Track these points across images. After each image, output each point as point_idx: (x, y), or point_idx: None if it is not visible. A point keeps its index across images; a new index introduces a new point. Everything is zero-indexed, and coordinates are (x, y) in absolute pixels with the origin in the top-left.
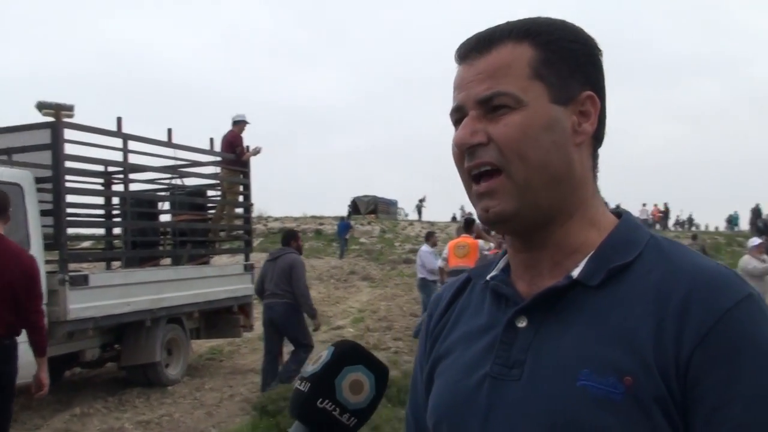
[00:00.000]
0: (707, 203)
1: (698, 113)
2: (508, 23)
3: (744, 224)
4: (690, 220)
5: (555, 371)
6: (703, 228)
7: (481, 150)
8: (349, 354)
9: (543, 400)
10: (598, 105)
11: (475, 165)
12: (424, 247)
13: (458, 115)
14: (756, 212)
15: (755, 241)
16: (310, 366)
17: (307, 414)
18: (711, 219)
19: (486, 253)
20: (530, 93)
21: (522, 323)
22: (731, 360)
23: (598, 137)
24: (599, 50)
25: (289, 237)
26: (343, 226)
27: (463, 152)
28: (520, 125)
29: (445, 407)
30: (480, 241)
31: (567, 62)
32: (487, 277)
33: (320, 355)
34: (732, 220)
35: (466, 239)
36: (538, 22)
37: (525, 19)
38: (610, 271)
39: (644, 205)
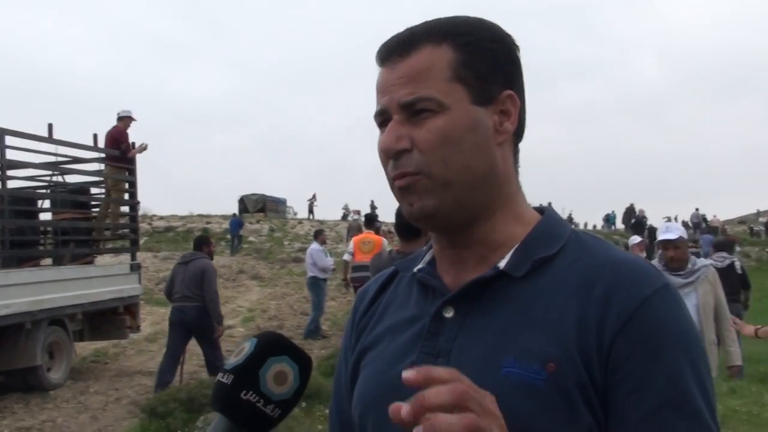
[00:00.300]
0: (585, 203)
1: (573, 115)
2: (426, 24)
3: (620, 223)
4: (570, 219)
5: (480, 360)
6: (582, 226)
7: (405, 157)
8: (273, 345)
9: None
10: (518, 103)
11: (399, 174)
12: (314, 246)
13: (382, 118)
14: (630, 212)
15: (636, 239)
16: (233, 358)
17: (230, 406)
18: (589, 218)
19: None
20: (451, 96)
21: (449, 313)
22: (649, 345)
23: (518, 133)
24: (516, 47)
25: (201, 242)
26: (235, 223)
27: (389, 157)
28: (443, 130)
29: (370, 397)
30: (384, 240)
31: (486, 63)
32: (414, 270)
33: (243, 346)
34: (609, 219)
35: (370, 235)
36: (456, 22)
37: (443, 20)
38: (535, 263)
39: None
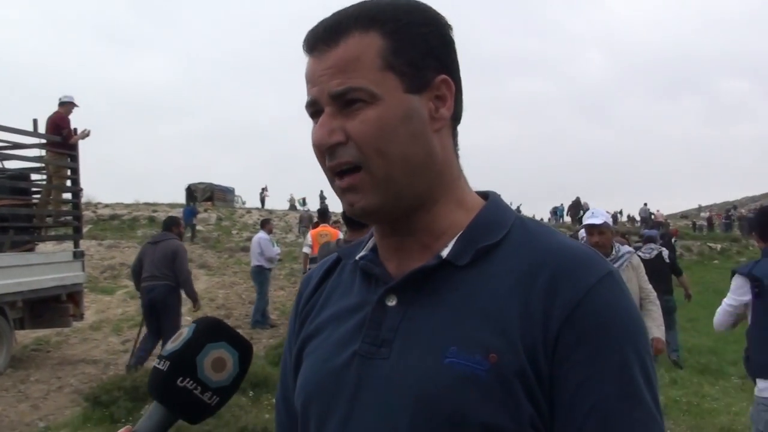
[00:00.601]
0: (532, 196)
1: (522, 109)
2: (353, 9)
3: (567, 216)
4: (518, 211)
5: (422, 349)
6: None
7: (341, 149)
8: (211, 330)
9: (410, 378)
10: (452, 88)
11: (335, 165)
12: (262, 234)
13: (313, 108)
14: (576, 205)
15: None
16: (170, 344)
17: (166, 394)
18: (537, 211)
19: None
20: (383, 85)
21: (392, 302)
22: (595, 336)
23: (456, 117)
24: (449, 27)
25: (171, 223)
26: (189, 211)
27: (323, 152)
28: (377, 121)
29: (313, 386)
30: (340, 233)
31: (418, 48)
32: (356, 257)
33: (181, 332)
34: (557, 212)
35: (327, 228)
36: (384, 6)
37: (370, 4)
38: (478, 251)
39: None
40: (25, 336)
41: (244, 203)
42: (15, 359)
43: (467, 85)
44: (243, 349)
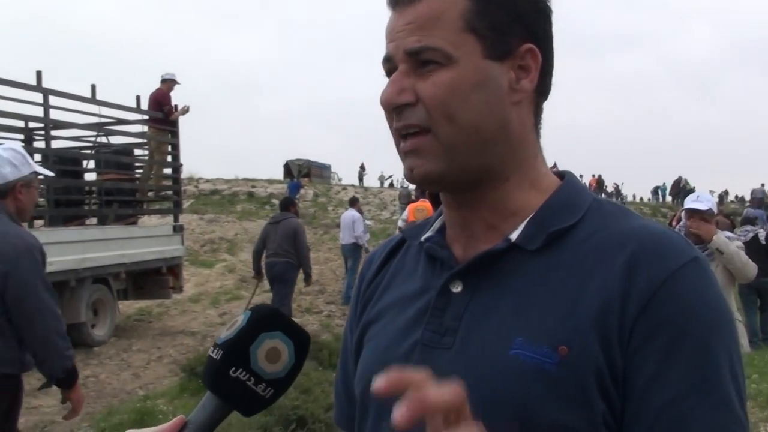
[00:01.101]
0: (633, 175)
1: (623, 85)
2: None
3: (669, 196)
4: (617, 191)
5: (487, 339)
6: (630, 199)
7: (409, 111)
8: (266, 319)
9: (473, 370)
10: (539, 59)
11: (402, 126)
12: (355, 213)
13: (389, 65)
14: (678, 183)
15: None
16: (224, 332)
17: (219, 384)
18: (638, 190)
19: None
20: (462, 48)
21: (457, 288)
22: (673, 325)
23: (542, 91)
24: None
25: (288, 203)
26: (294, 186)
27: (391, 111)
28: (449, 84)
29: (372, 375)
30: None
31: (505, 12)
32: (422, 239)
33: (236, 320)
34: (658, 191)
35: (425, 203)
36: None
37: None
38: (550, 235)
39: (581, 176)
40: (129, 306)
41: (340, 180)
42: (119, 328)
43: (565, 60)
44: (299, 339)
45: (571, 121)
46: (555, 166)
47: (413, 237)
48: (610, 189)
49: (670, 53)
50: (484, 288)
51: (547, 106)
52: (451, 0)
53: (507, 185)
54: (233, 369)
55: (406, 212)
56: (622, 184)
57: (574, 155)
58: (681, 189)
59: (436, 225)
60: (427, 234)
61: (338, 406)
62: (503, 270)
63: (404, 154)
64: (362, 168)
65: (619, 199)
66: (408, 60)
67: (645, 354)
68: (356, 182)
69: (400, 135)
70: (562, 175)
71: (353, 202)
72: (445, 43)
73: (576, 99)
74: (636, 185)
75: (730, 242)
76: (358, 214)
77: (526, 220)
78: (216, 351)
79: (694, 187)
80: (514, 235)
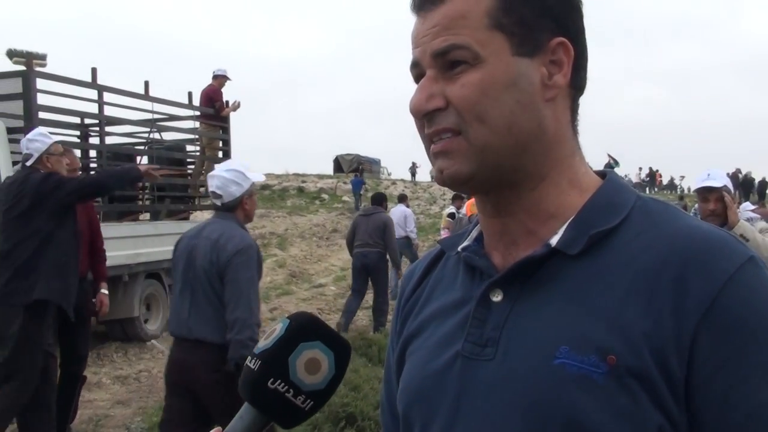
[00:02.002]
0: (690, 166)
1: (677, 76)
2: None
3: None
4: (672, 184)
5: (531, 349)
6: (686, 191)
7: (440, 116)
8: (305, 328)
9: (517, 381)
10: (571, 52)
11: (433, 132)
12: (405, 208)
13: (416, 71)
14: (735, 176)
15: (748, 206)
16: (262, 341)
17: (256, 395)
18: (693, 183)
19: None
20: (489, 46)
21: (497, 297)
22: (741, 332)
23: (577, 86)
24: None
25: (380, 198)
26: (357, 182)
27: (421, 118)
28: (479, 85)
29: (414, 390)
30: None
31: (531, 6)
32: (459, 248)
33: (274, 328)
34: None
35: None
36: None
37: None
38: (592, 238)
39: (640, 168)
40: None
41: (389, 174)
42: None
43: (619, 51)
44: (339, 349)
45: (623, 113)
46: (610, 158)
47: (450, 247)
48: (664, 181)
49: (725, 41)
50: (525, 296)
51: (599, 98)
52: None
53: (543, 186)
54: (271, 380)
55: (464, 207)
56: (682, 177)
57: (626, 145)
58: (744, 181)
59: (474, 234)
60: (465, 243)
61: (384, 422)
62: (544, 277)
63: (434, 156)
64: (414, 165)
65: (675, 192)
66: (435, 63)
67: (713, 367)
68: (406, 177)
69: (431, 140)
70: (604, 175)
71: (402, 199)
72: (473, 41)
73: (628, 90)
74: (690, 179)
75: (755, 230)
76: (409, 210)
77: (567, 223)
78: (254, 361)
79: (753, 179)
80: (554, 240)
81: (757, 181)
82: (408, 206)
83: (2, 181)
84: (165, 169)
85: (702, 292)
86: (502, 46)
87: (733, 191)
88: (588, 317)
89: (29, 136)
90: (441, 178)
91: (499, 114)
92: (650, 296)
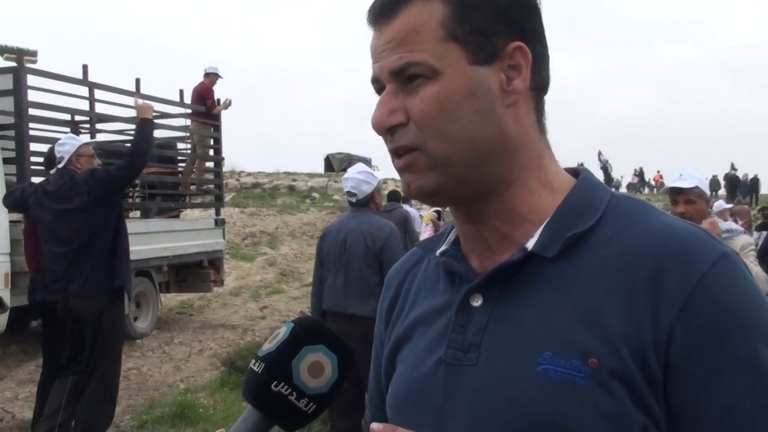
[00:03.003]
0: (678, 166)
1: (667, 76)
2: None
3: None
4: (660, 184)
5: (513, 354)
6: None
7: (400, 131)
8: (309, 332)
9: (500, 388)
10: (529, 56)
11: (393, 149)
12: (412, 209)
13: (377, 85)
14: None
15: (721, 205)
16: (266, 344)
17: (260, 398)
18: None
19: None
20: (445, 59)
21: (477, 302)
22: (715, 330)
23: (539, 87)
24: None
25: (397, 196)
26: None
27: (382, 133)
28: (437, 99)
29: (400, 397)
30: None
31: (485, 13)
32: (437, 253)
33: (278, 332)
34: (711, 185)
35: None
36: None
37: None
38: (568, 240)
39: (638, 169)
40: (171, 299)
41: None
42: (161, 321)
43: (607, 49)
44: (343, 353)
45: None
46: (600, 154)
47: (429, 250)
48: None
49: (715, 41)
50: (505, 300)
51: (591, 96)
52: (428, 10)
53: (512, 190)
54: (275, 383)
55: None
56: (680, 176)
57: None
58: (729, 178)
59: (451, 237)
60: (443, 248)
61: (372, 408)
62: (522, 280)
63: (399, 171)
64: None
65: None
66: (394, 79)
67: (690, 364)
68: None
69: (396, 153)
70: (577, 172)
71: (407, 199)
72: (428, 56)
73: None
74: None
75: (747, 259)
76: (414, 210)
77: (542, 227)
78: (257, 364)
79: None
80: (530, 244)
81: (749, 179)
82: (411, 205)
83: (30, 185)
84: (156, 167)
85: (676, 291)
86: (458, 57)
87: (710, 193)
88: (568, 321)
89: (60, 141)
90: (409, 191)
91: (459, 126)
92: (628, 297)
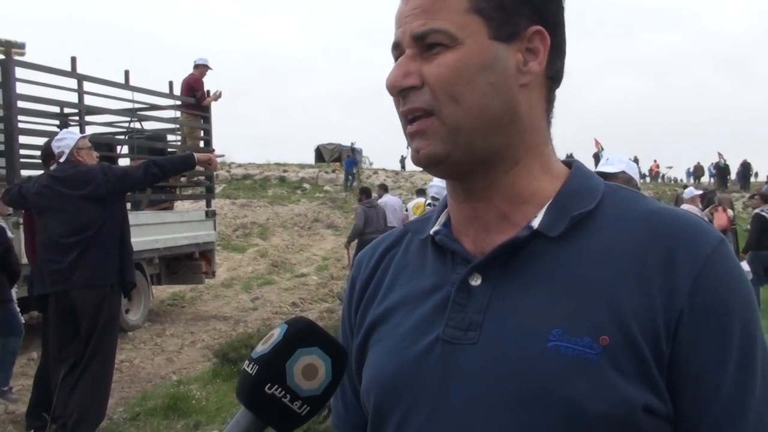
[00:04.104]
0: (670, 154)
1: (658, 65)
2: None
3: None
4: (657, 174)
5: (520, 332)
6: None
7: (414, 94)
8: (303, 334)
9: (508, 365)
10: (548, 41)
11: (407, 110)
12: (397, 198)
13: (397, 52)
14: (718, 166)
15: (692, 191)
16: (260, 346)
17: (254, 400)
18: (675, 172)
19: None
20: (467, 29)
21: (476, 281)
22: (716, 310)
23: (553, 76)
24: None
25: (385, 189)
26: (350, 162)
27: (397, 95)
28: (454, 65)
29: (388, 378)
30: None
31: None
32: (431, 232)
33: (272, 333)
34: (694, 171)
35: None
36: None
37: None
38: (573, 219)
39: (635, 158)
40: (163, 291)
41: (371, 164)
42: (152, 313)
43: (601, 40)
44: (337, 355)
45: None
46: (598, 143)
47: (418, 231)
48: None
49: (705, 31)
50: (507, 279)
51: (580, 86)
52: None
53: (516, 170)
54: (269, 385)
55: (420, 199)
56: (671, 167)
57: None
58: (719, 167)
59: (441, 219)
60: (435, 228)
61: (336, 409)
62: (526, 259)
63: (410, 137)
64: (403, 158)
65: (658, 180)
66: (414, 45)
67: (694, 342)
68: (387, 166)
69: (407, 119)
70: (569, 163)
71: (385, 189)
72: (451, 25)
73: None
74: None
75: None
76: (398, 199)
77: (546, 206)
78: (251, 366)
79: (728, 165)
80: (535, 222)
81: (739, 164)
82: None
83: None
84: (146, 159)
85: (687, 273)
86: (480, 30)
87: (639, 179)
88: (578, 299)
89: (57, 136)
90: (417, 157)
91: (472, 95)
92: (639, 277)
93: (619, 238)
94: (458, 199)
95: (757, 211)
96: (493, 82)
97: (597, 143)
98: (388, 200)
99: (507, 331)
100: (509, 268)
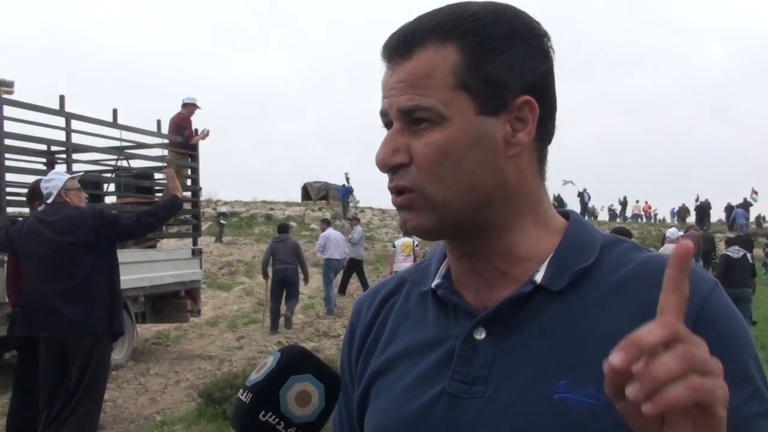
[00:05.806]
0: (651, 194)
1: (637, 106)
2: (432, 16)
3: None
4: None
5: (526, 386)
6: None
7: (402, 171)
8: (296, 362)
9: (515, 419)
10: (536, 110)
11: (393, 187)
12: (336, 232)
13: (385, 119)
14: (700, 206)
15: (675, 232)
16: (254, 374)
17: (248, 428)
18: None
19: None
20: (453, 106)
21: (480, 335)
22: (717, 347)
23: (544, 138)
24: (543, 37)
25: (287, 228)
26: (345, 191)
27: (384, 171)
28: (441, 145)
29: (391, 430)
30: None
31: (498, 66)
32: (432, 285)
33: (265, 361)
34: (679, 212)
35: None
36: (465, 17)
37: (451, 11)
38: (575, 274)
39: (637, 201)
40: (147, 330)
41: (357, 202)
42: (136, 352)
43: (578, 80)
44: (329, 382)
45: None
46: (584, 192)
47: (419, 283)
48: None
49: (684, 72)
50: (511, 334)
51: (562, 125)
52: (441, 56)
53: (510, 234)
54: (263, 412)
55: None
56: (656, 210)
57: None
58: (699, 207)
59: (441, 271)
60: (436, 281)
61: None
62: (530, 313)
63: (397, 208)
64: None
65: (639, 220)
66: (401, 118)
67: None
68: (374, 204)
69: (393, 191)
70: (566, 214)
71: (329, 223)
72: (437, 102)
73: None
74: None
75: None
76: (340, 234)
77: (547, 261)
78: (245, 394)
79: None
80: (538, 277)
81: (696, 204)
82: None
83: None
84: (132, 197)
85: (689, 310)
86: (467, 106)
87: (677, 220)
88: (582, 351)
89: (46, 177)
90: (405, 228)
91: (460, 174)
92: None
93: (619, 288)
94: (456, 255)
95: (724, 251)
96: (482, 159)
97: (572, 183)
98: (330, 234)
99: (513, 385)
100: (513, 322)
